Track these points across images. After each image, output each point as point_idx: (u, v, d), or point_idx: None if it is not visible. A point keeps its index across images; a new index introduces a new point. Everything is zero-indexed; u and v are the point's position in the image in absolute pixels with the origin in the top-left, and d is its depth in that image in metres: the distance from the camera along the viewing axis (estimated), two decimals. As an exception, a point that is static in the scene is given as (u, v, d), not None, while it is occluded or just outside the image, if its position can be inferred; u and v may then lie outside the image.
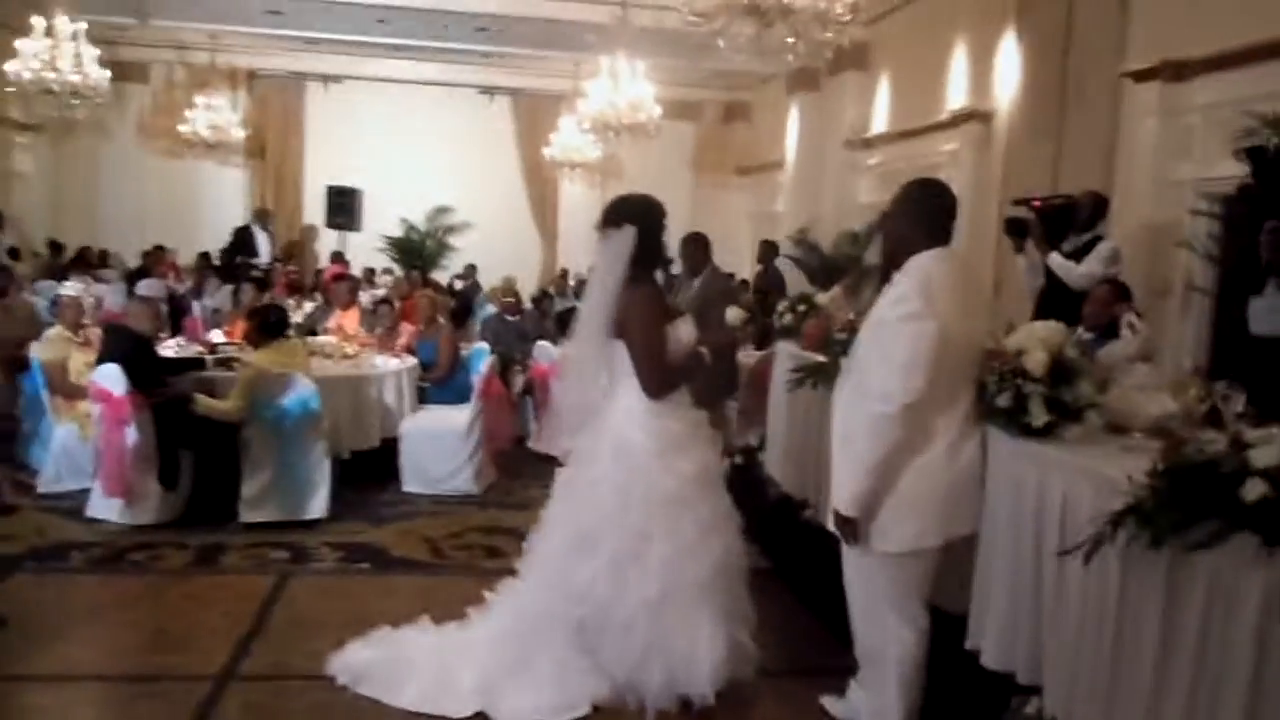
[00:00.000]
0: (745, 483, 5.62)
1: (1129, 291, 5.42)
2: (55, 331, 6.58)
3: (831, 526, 3.33)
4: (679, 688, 3.51)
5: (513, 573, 3.91)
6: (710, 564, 3.57)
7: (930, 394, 3.04)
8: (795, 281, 10.92)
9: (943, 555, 3.24)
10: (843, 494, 3.19)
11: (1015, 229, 6.32)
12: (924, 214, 3.25)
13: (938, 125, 10.07)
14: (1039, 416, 3.01)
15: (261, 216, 14.36)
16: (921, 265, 3.16)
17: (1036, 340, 3.10)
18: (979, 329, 3.24)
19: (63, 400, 6.34)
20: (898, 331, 3.06)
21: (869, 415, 3.07)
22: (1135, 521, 2.32)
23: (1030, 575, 2.98)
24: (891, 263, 3.31)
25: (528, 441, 8.00)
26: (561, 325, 8.78)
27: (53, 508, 5.87)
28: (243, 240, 13.79)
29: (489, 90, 16.53)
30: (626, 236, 3.61)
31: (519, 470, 7.27)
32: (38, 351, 6.36)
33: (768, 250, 11.18)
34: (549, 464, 3.91)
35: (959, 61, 9.85)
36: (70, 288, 7.34)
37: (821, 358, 4.78)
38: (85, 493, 5.83)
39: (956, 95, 9.82)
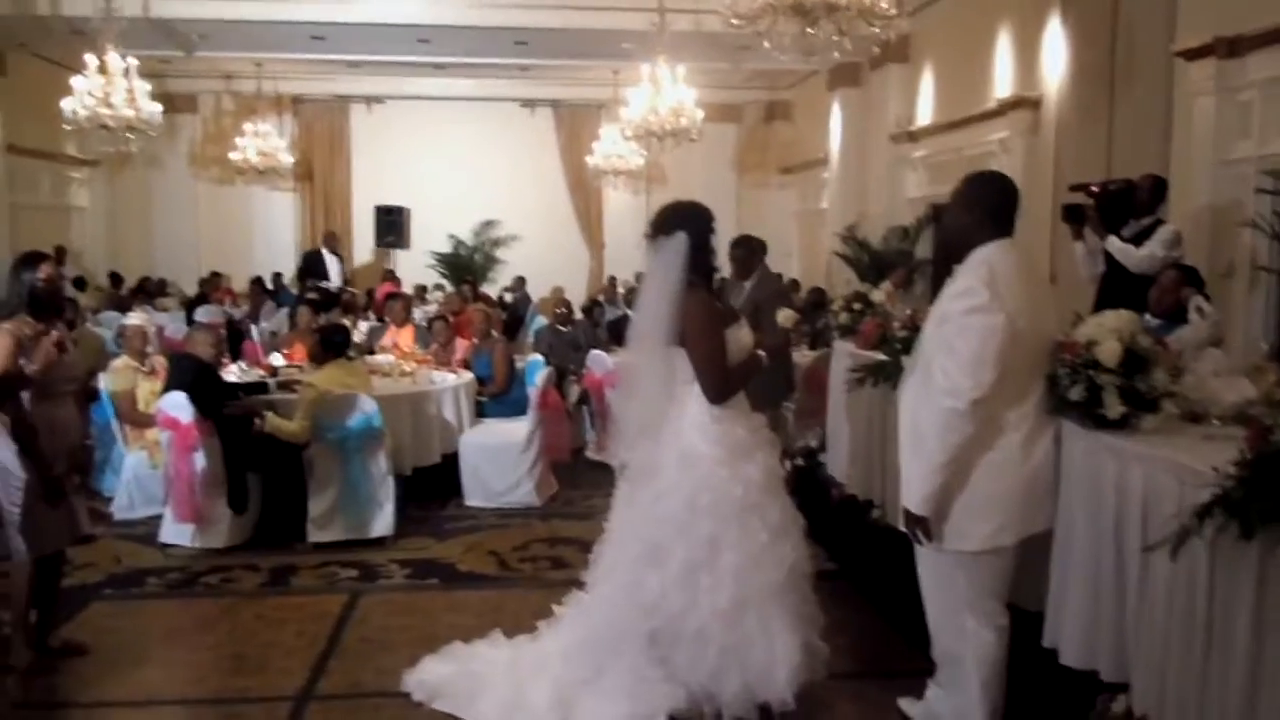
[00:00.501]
0: (807, 484, 5.59)
1: (1197, 275, 5.30)
2: (122, 361, 6.72)
3: (902, 526, 3.29)
4: (756, 694, 3.48)
5: (580, 584, 3.91)
6: (782, 568, 3.53)
7: (1000, 388, 2.99)
8: (840, 280, 10.84)
9: (1019, 552, 3.19)
10: (913, 493, 3.15)
11: (1073, 215, 6.20)
12: (986, 206, 3.19)
13: (985, 114, 9.93)
14: (1114, 408, 2.95)
15: (331, 240, 14.51)
16: (985, 258, 3.11)
17: (1107, 330, 3.04)
18: (1047, 321, 3.19)
19: (132, 429, 6.47)
20: (964, 326, 3.01)
21: (938, 412, 3.03)
22: (1224, 512, 2.26)
23: (1111, 570, 2.92)
24: (953, 256, 3.26)
25: (586, 451, 8.01)
26: (614, 334, 8.80)
27: (127, 535, 5.99)
28: (312, 264, 13.95)
29: (530, 103, 16.63)
30: (679, 243, 3.59)
31: (579, 480, 7.29)
32: (106, 382, 6.49)
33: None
34: (608, 473, 3.91)
35: (1003, 49, 9.72)
36: (134, 318, 7.48)
37: (881, 356, 4.74)
38: (157, 519, 5.94)
39: (1003, 83, 9.68)
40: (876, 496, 4.88)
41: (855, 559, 5.15)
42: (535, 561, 5.63)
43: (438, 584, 5.29)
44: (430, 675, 3.89)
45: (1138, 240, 5.81)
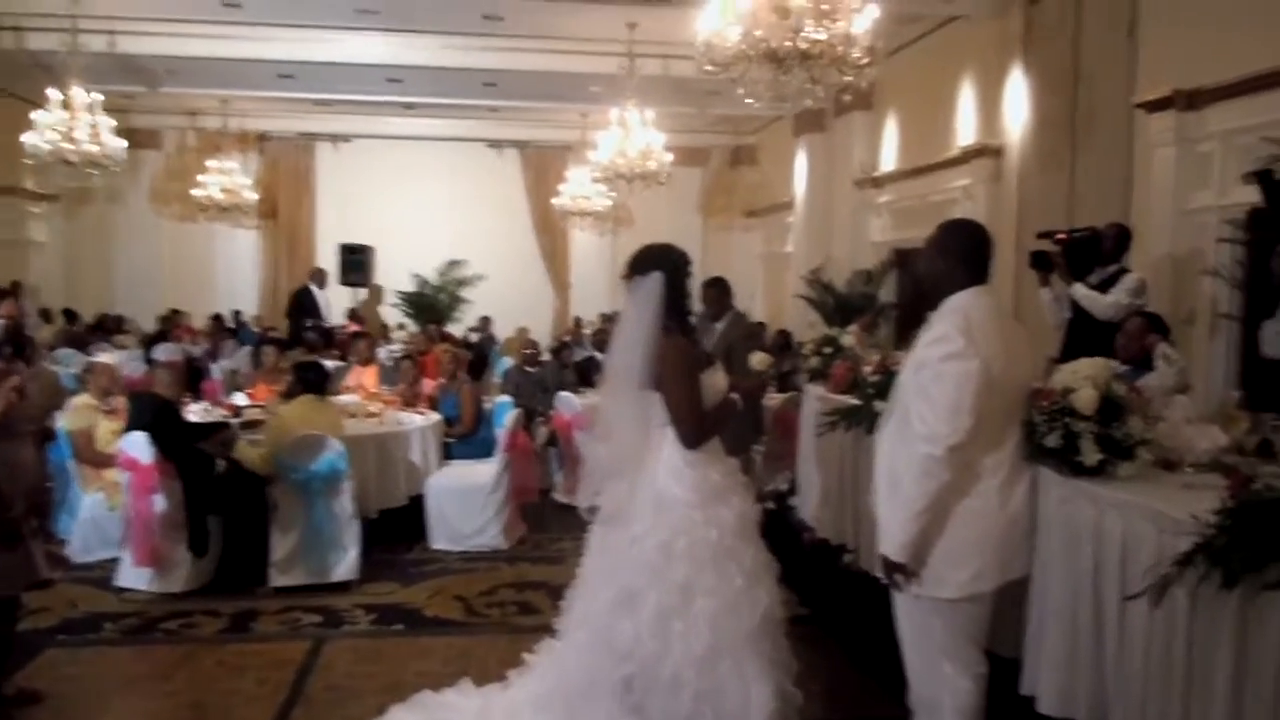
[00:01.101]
0: (777, 528, 5.56)
1: (1162, 322, 5.38)
2: (81, 400, 6.57)
3: (879, 573, 3.28)
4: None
5: (549, 630, 3.85)
6: (756, 613, 3.50)
7: (977, 435, 3.00)
8: (804, 322, 10.90)
9: (997, 599, 3.18)
10: (891, 539, 3.14)
11: (1040, 262, 6.29)
12: (960, 253, 3.22)
13: (948, 162, 10.09)
14: (1091, 455, 2.97)
15: (318, 276, 14.31)
16: (960, 304, 3.13)
17: (1083, 378, 3.07)
18: (1022, 367, 3.21)
19: (89, 469, 6.32)
20: (940, 372, 3.02)
21: (915, 458, 3.03)
22: (1206, 561, 2.27)
23: (1089, 617, 2.92)
24: (928, 303, 3.28)
25: (553, 494, 7.95)
26: (581, 375, 8.77)
27: (83, 578, 5.83)
28: (304, 301, 13.73)
29: (497, 144, 16.68)
30: (655, 283, 3.58)
31: (547, 523, 7.22)
32: (63, 421, 6.35)
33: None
34: (576, 516, 3.87)
35: (966, 97, 9.89)
36: (103, 356, 7.34)
37: (852, 400, 4.75)
38: (114, 562, 5.80)
39: (966, 131, 9.85)
40: (849, 541, 4.87)
41: (827, 604, 5.13)
42: (503, 607, 5.54)
43: (404, 630, 5.18)
44: (402, 725, 3.81)
45: (1103, 287, 5.90)
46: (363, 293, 15.29)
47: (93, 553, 6.11)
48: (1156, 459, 3.13)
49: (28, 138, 9.48)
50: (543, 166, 16.66)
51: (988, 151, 9.24)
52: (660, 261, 3.65)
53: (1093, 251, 6.10)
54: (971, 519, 3.06)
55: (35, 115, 9.63)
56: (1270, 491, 2.22)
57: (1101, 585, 2.86)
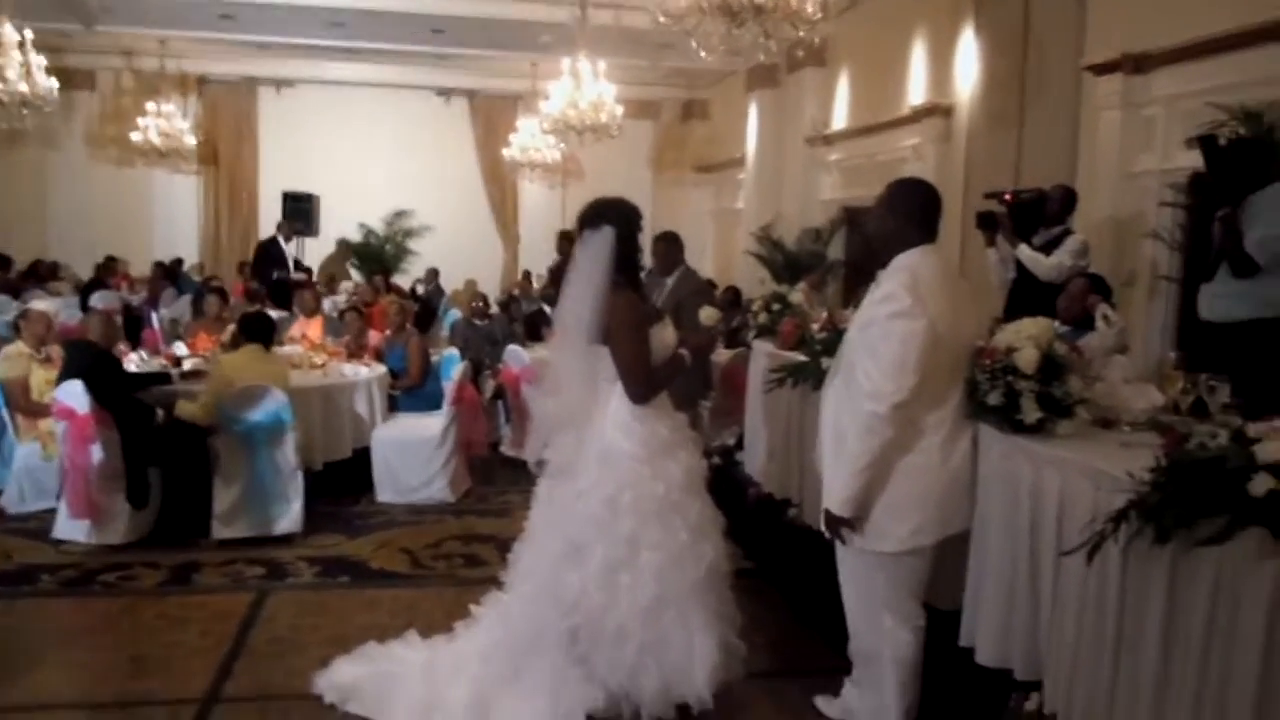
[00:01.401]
0: (724, 483, 5.61)
1: (1104, 283, 5.47)
2: (15, 348, 6.41)
3: (822, 527, 3.32)
4: (675, 693, 3.47)
5: (495, 582, 3.86)
6: (701, 567, 3.54)
7: (921, 392, 3.04)
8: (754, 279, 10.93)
9: (937, 553, 3.24)
10: (835, 494, 3.18)
11: (986, 223, 6.35)
12: (909, 211, 3.24)
13: (899, 120, 10.11)
14: (1031, 413, 3.02)
15: (284, 228, 13.81)
16: (908, 263, 3.15)
17: (1025, 337, 3.11)
18: (967, 326, 3.25)
19: (24, 419, 6.18)
20: (887, 330, 3.05)
21: (860, 415, 3.06)
22: (1140, 517, 2.33)
23: (1026, 571, 2.99)
24: (876, 261, 3.30)
25: (501, 447, 7.93)
26: (530, 328, 8.73)
27: (17, 530, 5.73)
28: (269, 253, 13.29)
29: (446, 92, 16.41)
30: (605, 238, 3.56)
31: (493, 476, 7.22)
32: (13, 368, 6.19)
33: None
34: (523, 470, 3.87)
35: (918, 56, 9.90)
36: (38, 303, 7.14)
37: (800, 356, 4.78)
38: (51, 513, 5.68)
39: (917, 90, 9.87)
40: (794, 495, 4.92)
41: (772, 558, 5.20)
42: (450, 559, 5.54)
43: (349, 582, 5.16)
44: (343, 677, 3.80)
45: (1047, 249, 5.98)
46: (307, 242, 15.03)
47: (29, 504, 6.00)
48: (1095, 418, 3.19)
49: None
50: (492, 116, 16.43)
51: (938, 111, 9.27)
52: (611, 216, 3.62)
53: (1038, 213, 6.18)
54: (913, 474, 3.11)
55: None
56: (1203, 450, 2.27)
57: (1038, 541, 2.93)
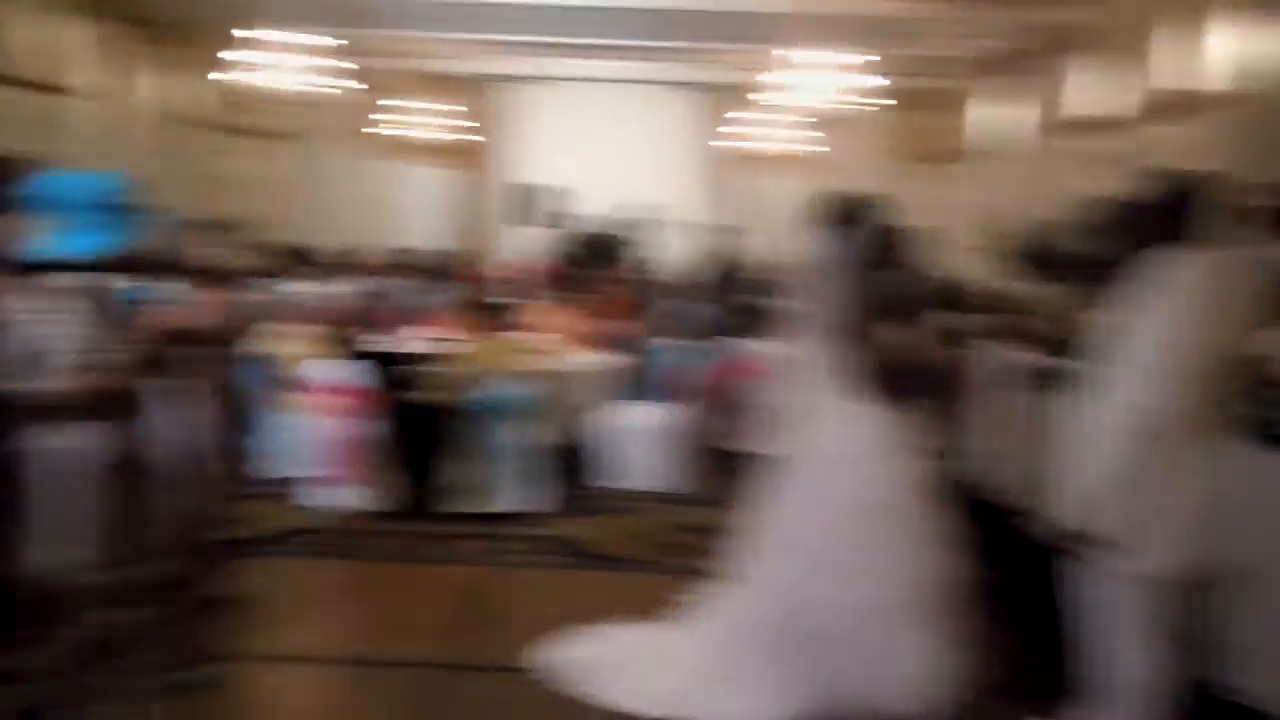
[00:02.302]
0: (952, 488, 5.38)
1: None
2: (291, 328, 6.99)
3: (1062, 541, 3.12)
4: (885, 703, 3.37)
5: (716, 575, 3.87)
6: (922, 575, 3.42)
7: (1183, 404, 2.79)
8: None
9: (1194, 578, 2.97)
10: (1081, 509, 2.97)
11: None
12: (1175, 207, 2.97)
13: (1149, 108, 9.33)
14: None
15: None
16: (1171, 263, 2.90)
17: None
18: (1240, 333, 2.96)
19: (293, 392, 6.72)
20: (1146, 335, 2.81)
21: (1115, 427, 2.84)
22: None
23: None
24: (1132, 259, 3.05)
25: (728, 440, 7.92)
26: (756, 321, 8.66)
27: (279, 493, 6.23)
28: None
29: (681, 85, 16.57)
30: (841, 235, 3.49)
31: (719, 468, 7.22)
32: (267, 345, 6.75)
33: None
34: (750, 463, 3.85)
35: (1173, 41, 9.10)
36: (313, 287, 7.79)
37: (1041, 358, 4.52)
38: (310, 480, 6.16)
39: (1171, 75, 9.08)
40: (1027, 505, 4.66)
41: (1000, 569, 4.93)
42: (675, 547, 5.60)
43: (575, 563, 5.33)
44: (564, 656, 3.92)
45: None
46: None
47: (291, 470, 6.50)
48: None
49: (251, 77, 10.01)
50: (725, 108, 16.44)
51: (1196, 98, 8.49)
52: (848, 213, 3.55)
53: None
54: (1175, 493, 2.86)
55: (259, 57, 10.15)
56: None
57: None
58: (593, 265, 14.05)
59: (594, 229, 15.82)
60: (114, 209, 3.40)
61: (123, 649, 3.85)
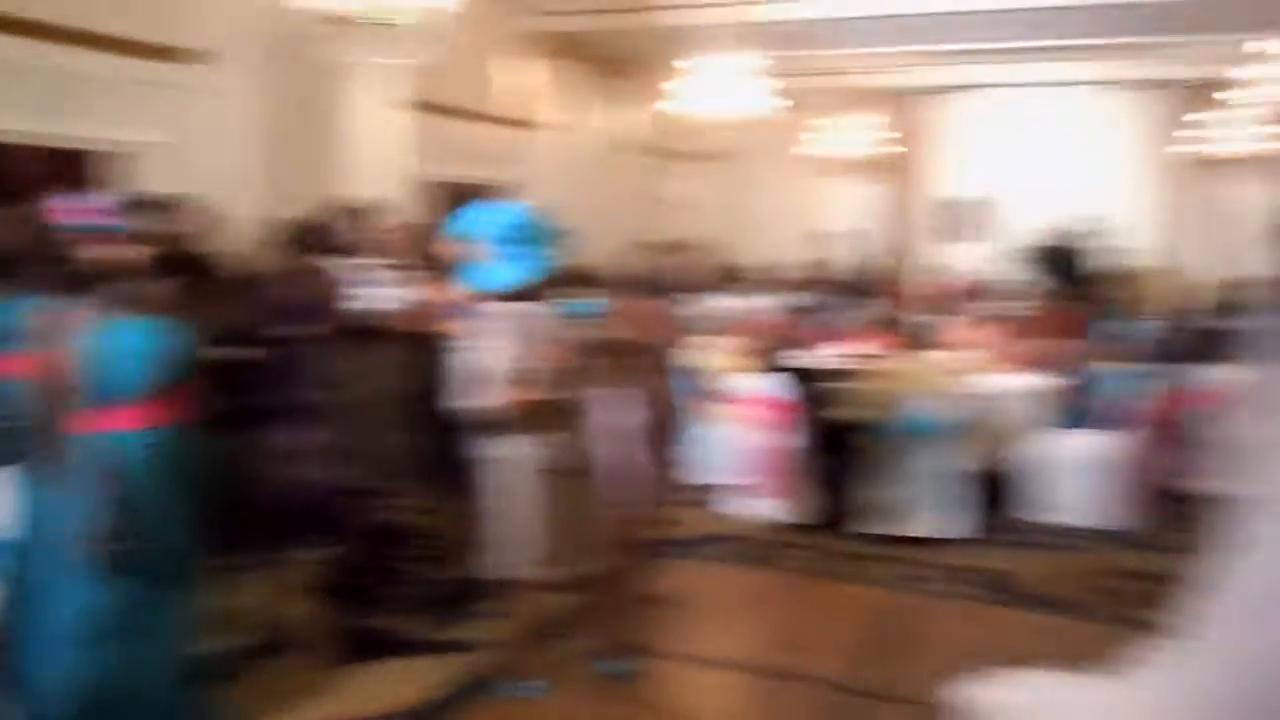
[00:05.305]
0: None
1: None
2: (717, 340, 7.28)
3: None
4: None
5: (1163, 630, 3.41)
6: None
7: None
8: None
9: None
10: None
11: None
12: None
13: None
14: None
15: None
16: None
17: None
18: None
19: (718, 403, 6.96)
20: None
21: None
22: None
23: None
24: None
25: (1178, 476, 7.06)
26: (1209, 345, 7.62)
27: (704, 500, 6.47)
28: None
29: (1134, 84, 15.13)
30: None
31: (1171, 509, 6.45)
32: (700, 358, 7.05)
33: None
34: (1209, 505, 3.35)
35: None
36: (739, 302, 8.09)
37: None
38: (736, 488, 6.34)
39: None
40: None
41: None
42: (1109, 594, 5.09)
43: (996, 598, 5.02)
44: (982, 697, 3.66)
45: None
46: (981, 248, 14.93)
47: (720, 478, 6.70)
48: None
49: (695, 104, 10.56)
50: (1181, 108, 14.75)
51: None
52: None
53: None
54: None
55: (688, 83, 10.69)
56: None
57: None
58: (1041, 280, 13.21)
59: (1043, 241, 14.92)
60: (532, 239, 3.75)
61: (560, 634, 4.21)
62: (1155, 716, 3.22)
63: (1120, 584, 5.19)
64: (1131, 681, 3.42)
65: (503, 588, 3.97)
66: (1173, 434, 7.19)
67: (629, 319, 4.44)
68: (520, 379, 3.64)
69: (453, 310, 4.36)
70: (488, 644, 4.18)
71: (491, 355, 3.69)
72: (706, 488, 6.64)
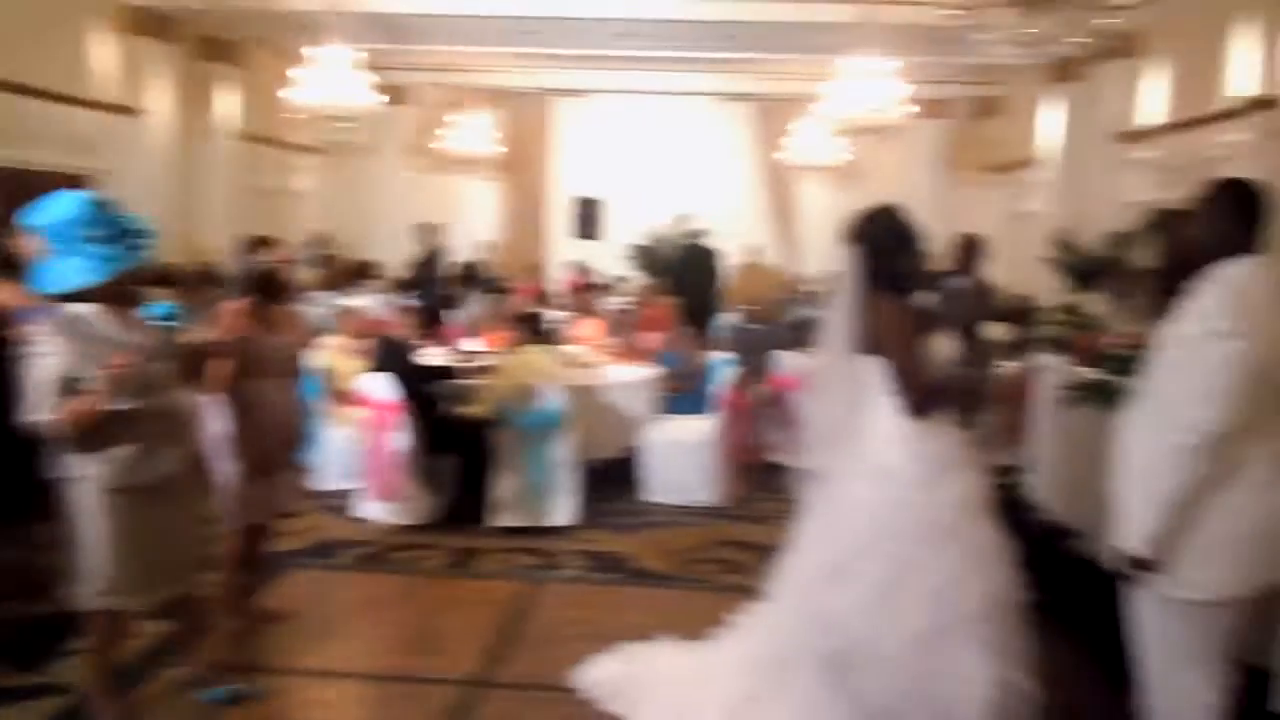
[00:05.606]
0: (1005, 506, 5.25)
1: None
2: (334, 340, 7.03)
3: (1119, 565, 3.00)
4: (939, 728, 3.26)
5: (757, 592, 3.78)
6: (978, 596, 3.29)
7: (1240, 423, 2.67)
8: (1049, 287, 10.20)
9: (1252, 605, 2.85)
10: (1135, 532, 2.86)
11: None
12: (1233, 218, 2.85)
13: (1221, 114, 9.10)
14: (1382, 451, 2.58)
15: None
16: (1229, 276, 2.78)
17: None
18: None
19: (337, 406, 6.76)
20: (1201, 352, 2.70)
21: (1168, 445, 2.73)
22: None
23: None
24: (1190, 272, 2.93)
25: (770, 454, 7.84)
26: (801, 334, 8.58)
27: (326, 506, 6.27)
28: None
29: (731, 96, 16.51)
30: (856, 255, 3.42)
31: (761, 483, 7.14)
32: (314, 359, 6.79)
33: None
34: (792, 478, 3.77)
35: (1246, 42, 8.87)
36: (356, 300, 7.82)
37: (1096, 374, 4.39)
38: (356, 492, 6.18)
39: (1243, 80, 8.85)
40: (1082, 524, 4.53)
41: (1056, 590, 4.79)
42: (713, 564, 5.54)
43: (615, 579, 5.28)
44: (602, 674, 3.87)
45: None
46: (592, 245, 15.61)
47: (337, 482, 6.54)
48: None
49: (292, 93, 10.14)
50: (775, 120, 16.35)
51: (1270, 104, 8.27)
52: (865, 229, 3.47)
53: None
54: (1228, 515, 2.74)
55: (299, 72, 10.27)
56: None
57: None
58: (649, 276, 14.04)
59: (653, 241, 15.84)
60: (103, 235, 3.36)
61: (160, 664, 3.87)
62: (739, 675, 3.56)
63: (721, 554, 5.65)
64: (731, 641, 3.76)
65: (93, 620, 3.58)
66: (759, 416, 7.97)
67: (225, 320, 4.18)
68: (75, 389, 3.21)
69: (25, 314, 3.89)
70: (79, 685, 3.78)
71: (53, 363, 3.26)
72: (333, 492, 6.44)
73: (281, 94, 10.33)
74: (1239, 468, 2.75)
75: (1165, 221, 9.79)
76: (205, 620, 3.90)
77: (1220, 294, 2.74)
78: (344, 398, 6.67)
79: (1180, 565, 2.79)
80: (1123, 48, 10.70)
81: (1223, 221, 2.86)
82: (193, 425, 3.73)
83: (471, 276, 14.08)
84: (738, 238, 15.84)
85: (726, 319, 10.64)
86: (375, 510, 5.98)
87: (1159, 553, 2.79)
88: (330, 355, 6.89)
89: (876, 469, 3.36)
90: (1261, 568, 2.78)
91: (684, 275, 12.36)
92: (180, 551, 3.55)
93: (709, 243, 12.85)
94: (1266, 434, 2.77)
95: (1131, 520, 2.88)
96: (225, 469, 4.20)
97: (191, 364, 3.86)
